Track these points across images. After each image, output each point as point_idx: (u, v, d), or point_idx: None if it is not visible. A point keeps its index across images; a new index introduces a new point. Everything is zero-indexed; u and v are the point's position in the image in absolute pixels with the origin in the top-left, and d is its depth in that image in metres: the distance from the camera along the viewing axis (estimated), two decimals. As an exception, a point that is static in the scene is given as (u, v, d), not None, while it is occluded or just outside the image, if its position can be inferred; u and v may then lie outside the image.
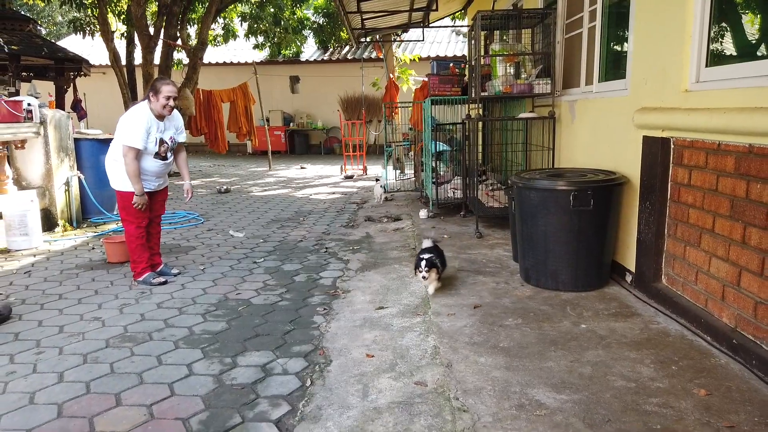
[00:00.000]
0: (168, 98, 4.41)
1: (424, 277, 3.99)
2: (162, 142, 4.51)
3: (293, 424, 2.52)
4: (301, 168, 14.04)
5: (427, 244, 4.37)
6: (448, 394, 2.69)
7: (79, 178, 6.92)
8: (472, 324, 3.54)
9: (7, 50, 10.39)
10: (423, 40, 13.32)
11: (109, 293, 4.38)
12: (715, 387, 2.66)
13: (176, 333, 3.59)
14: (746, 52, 3.31)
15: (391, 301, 4.08)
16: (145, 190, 4.54)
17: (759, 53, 3.07)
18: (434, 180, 7.26)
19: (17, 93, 10.54)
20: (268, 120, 14.63)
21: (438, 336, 3.39)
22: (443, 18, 12.02)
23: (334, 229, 6.76)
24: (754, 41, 3.25)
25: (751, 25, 3.30)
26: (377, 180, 9.04)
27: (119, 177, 4.49)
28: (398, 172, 11.11)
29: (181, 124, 4.76)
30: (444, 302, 3.96)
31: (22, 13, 13.98)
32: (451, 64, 6.80)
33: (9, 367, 3.12)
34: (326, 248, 5.78)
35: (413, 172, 10.00)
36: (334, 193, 9.91)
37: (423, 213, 7.15)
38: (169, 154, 4.62)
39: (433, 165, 7.32)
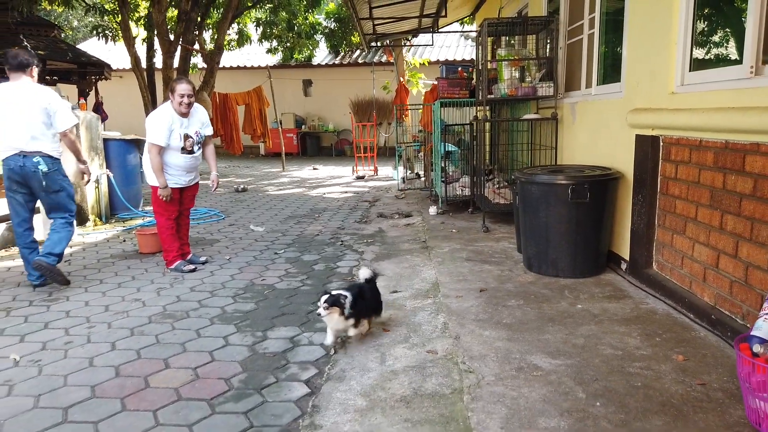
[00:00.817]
0: (182, 96, 4.78)
1: (319, 314, 3.17)
2: (187, 137, 4.89)
3: (321, 383, 2.90)
4: (314, 169, 14.45)
5: (363, 274, 3.58)
6: (456, 360, 3.05)
7: (107, 176, 7.34)
8: (478, 305, 3.90)
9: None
10: (432, 45, 13.70)
11: (145, 279, 4.78)
12: (692, 354, 3.00)
13: (210, 312, 3.97)
14: (722, 58, 3.66)
15: (404, 286, 4.45)
16: (176, 185, 4.93)
17: (733, 58, 3.41)
18: (443, 179, 7.63)
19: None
20: (281, 122, 15.04)
21: (447, 314, 3.75)
22: (452, 23, 12.41)
23: (348, 224, 7.14)
24: (727, 48, 3.61)
25: (726, 34, 3.66)
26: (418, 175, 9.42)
27: (149, 173, 4.89)
28: (408, 171, 11.49)
29: (206, 118, 5.15)
30: (452, 287, 4.32)
31: (44, 18, 14.47)
32: (459, 68, 7.17)
33: (66, 338, 3.51)
34: (342, 241, 6.15)
35: (423, 171, 10.37)
36: (346, 192, 10.29)
37: (432, 210, 7.51)
38: (196, 148, 4.99)
39: (442, 164, 7.69)
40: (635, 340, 3.21)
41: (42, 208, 5.22)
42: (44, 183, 4.46)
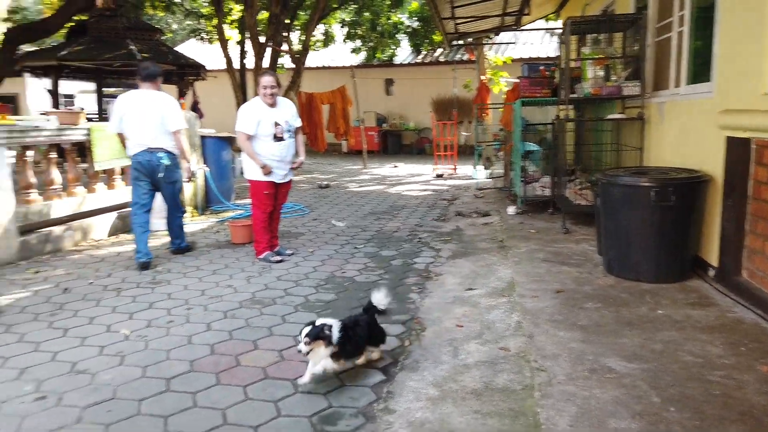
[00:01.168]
0: (265, 87, 5.19)
1: (299, 351, 2.77)
2: (276, 124, 5.22)
3: (395, 371, 3.05)
4: (394, 167, 14.68)
5: (377, 298, 3.13)
6: (528, 358, 3.11)
7: (204, 171, 7.88)
8: (553, 305, 3.91)
9: (139, 57, 11.80)
10: (515, 42, 13.52)
11: (236, 267, 5.15)
12: (779, 366, 2.89)
13: (295, 300, 4.24)
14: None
15: (479, 284, 4.52)
16: (271, 179, 5.23)
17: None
18: (523, 178, 7.58)
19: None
20: (363, 121, 15.40)
21: (521, 313, 3.79)
22: (536, 20, 12.20)
23: (426, 222, 7.26)
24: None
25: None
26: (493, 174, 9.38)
27: (249, 168, 5.25)
28: (488, 171, 11.44)
29: (294, 110, 5.49)
30: (528, 287, 4.34)
31: (148, 22, 15.58)
32: (541, 67, 7.09)
33: (168, 318, 3.88)
34: (419, 238, 6.29)
35: (503, 171, 10.31)
36: (425, 190, 10.42)
37: (511, 209, 7.49)
38: (286, 135, 5.28)
39: (523, 164, 7.64)
40: (718, 348, 3.13)
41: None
42: (164, 174, 5.25)
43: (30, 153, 5.71)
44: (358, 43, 16.80)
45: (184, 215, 5.74)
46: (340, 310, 4.00)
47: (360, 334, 2.94)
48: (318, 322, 2.78)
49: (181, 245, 5.65)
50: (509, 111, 9.20)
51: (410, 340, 3.47)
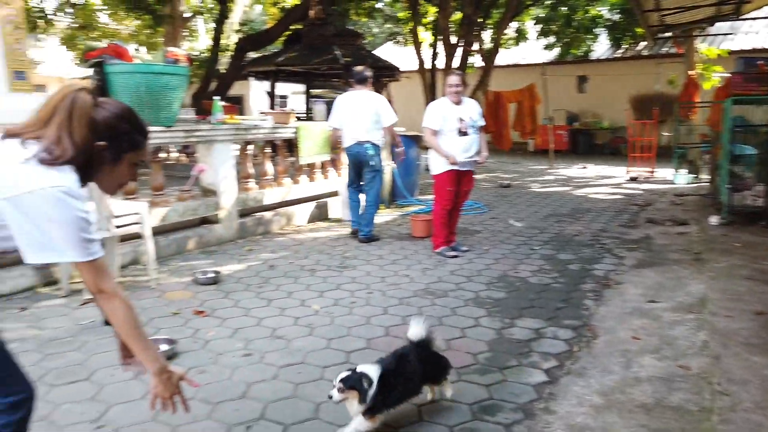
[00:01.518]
0: (451, 86, 5.44)
1: (330, 397, 2.39)
2: (461, 120, 5.40)
3: (560, 375, 3.05)
4: (583, 167, 14.01)
5: (414, 331, 2.67)
6: (710, 379, 2.88)
7: (391, 167, 8.40)
8: (750, 327, 3.53)
9: (342, 62, 12.88)
10: (734, 33, 11.96)
11: (414, 259, 5.47)
12: None
13: (465, 294, 4.40)
14: None
15: (664, 297, 4.23)
16: (453, 167, 5.44)
17: None
18: (731, 185, 6.78)
19: (347, 96, 12.99)
20: (551, 119, 14.93)
21: (710, 332, 3.49)
22: (761, 7, 10.66)
23: (612, 227, 6.89)
24: None
25: None
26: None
27: (433, 163, 5.53)
28: (692, 175, 10.38)
29: (479, 110, 5.62)
30: (723, 305, 3.96)
31: (351, 28, 16.88)
32: (760, 62, 6.26)
33: (351, 299, 4.31)
34: (602, 244, 6.01)
35: (709, 176, 9.28)
36: (615, 193, 9.82)
37: (713, 219, 6.76)
38: (470, 131, 5.43)
39: (732, 169, 6.83)
40: None
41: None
42: (370, 163, 6.09)
43: (250, 148, 6.66)
44: (552, 39, 16.29)
45: (379, 207, 6.43)
46: (508, 309, 4.06)
47: (410, 376, 2.55)
48: (359, 369, 2.42)
49: (367, 233, 6.15)
50: (718, 110, 8.26)
51: (579, 346, 3.42)
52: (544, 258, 5.47)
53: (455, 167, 5.37)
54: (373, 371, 2.40)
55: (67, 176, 1.56)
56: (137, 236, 4.71)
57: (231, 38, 16.12)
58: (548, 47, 16.77)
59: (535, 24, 16.50)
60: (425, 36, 15.73)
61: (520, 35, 16.75)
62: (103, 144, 1.64)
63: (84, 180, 1.65)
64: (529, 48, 18.55)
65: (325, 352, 3.36)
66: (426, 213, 7.04)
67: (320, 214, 7.40)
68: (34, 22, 13.80)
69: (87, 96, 1.63)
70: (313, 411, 2.71)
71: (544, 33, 16.09)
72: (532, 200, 9.10)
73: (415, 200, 8.59)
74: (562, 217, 7.63)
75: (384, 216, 7.66)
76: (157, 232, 5.14)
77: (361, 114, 6.04)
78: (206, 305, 4.11)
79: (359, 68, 6.26)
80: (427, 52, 14.37)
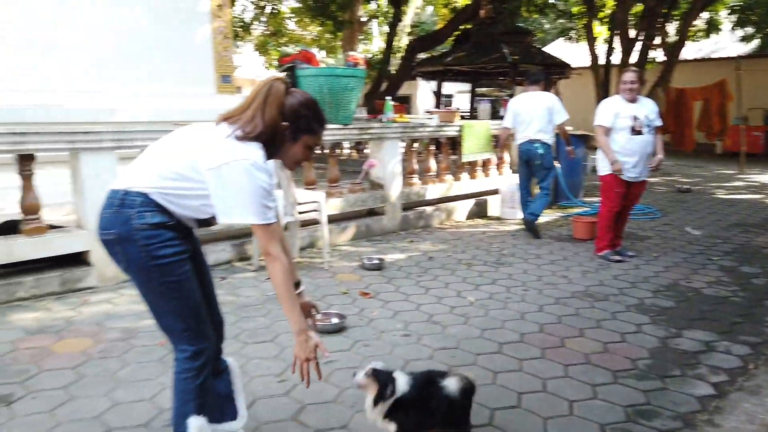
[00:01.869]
0: (625, 83, 5.19)
1: (353, 375, 2.32)
2: (635, 117, 5.15)
3: (729, 390, 2.87)
4: (782, 174, 12.34)
5: (450, 386, 2.29)
6: None
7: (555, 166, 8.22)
8: None
9: (509, 60, 12.80)
10: None
11: (574, 260, 5.36)
12: None
13: (628, 300, 4.24)
14: None
15: None
16: (625, 177, 5.22)
17: None
18: None
19: (513, 95, 12.90)
20: (745, 119, 13.30)
21: None
22: None
23: (813, 242, 6.07)
24: None
25: None
26: None
27: (601, 163, 5.36)
28: None
29: (656, 110, 5.30)
30: None
31: (521, 26, 16.60)
32: None
33: (506, 294, 4.39)
34: (797, 259, 5.35)
35: None
36: (821, 204, 8.55)
37: None
38: (645, 130, 5.14)
39: None
40: None
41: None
42: (539, 162, 6.27)
43: (416, 145, 7.00)
44: (750, 30, 14.50)
45: (548, 202, 6.57)
46: (676, 318, 3.85)
47: (431, 409, 2.25)
48: (395, 374, 2.26)
49: (531, 219, 6.32)
50: None
51: (756, 363, 3.16)
52: (723, 270, 5.03)
53: (620, 176, 5.16)
54: (402, 383, 2.23)
55: (256, 151, 1.92)
56: (315, 222, 5.26)
57: (402, 40, 16.80)
58: (745, 39, 14.96)
59: (729, 14, 14.80)
60: (600, 31, 14.96)
61: (712, 26, 15.14)
62: (286, 124, 1.98)
63: (269, 156, 2.00)
64: (721, 40, 16.71)
65: (478, 341, 3.51)
66: (590, 215, 6.82)
67: (479, 212, 7.52)
68: (236, 31, 15.69)
69: (281, 85, 2.01)
70: (465, 392, 2.88)
71: (740, 23, 14.38)
72: (715, 207, 8.29)
73: (578, 202, 8.31)
74: (749, 227, 6.88)
75: (545, 216, 7.54)
76: (331, 220, 5.67)
77: (533, 113, 6.23)
78: (371, 288, 4.48)
79: (534, 69, 6.58)
80: (601, 48, 13.66)
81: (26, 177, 4.10)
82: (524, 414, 2.68)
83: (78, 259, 4.37)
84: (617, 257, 5.31)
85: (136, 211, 1.90)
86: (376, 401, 2.19)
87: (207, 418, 2.10)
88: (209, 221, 2.06)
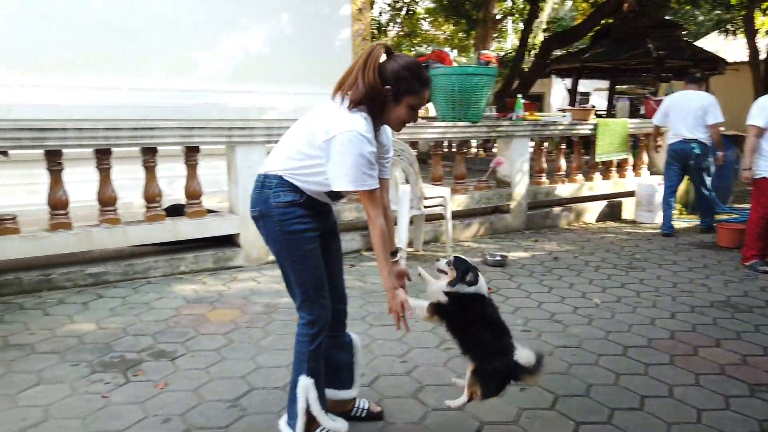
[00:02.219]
0: None
1: (437, 259, 2.48)
2: None
3: None
4: None
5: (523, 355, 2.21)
6: None
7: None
8: None
9: (654, 55, 12.00)
10: None
11: (716, 269, 5.00)
12: None
13: (777, 314, 3.90)
14: None
15: None
16: None
17: None
18: None
19: (656, 93, 12.09)
20: None
21: None
22: None
23: None
24: None
25: None
26: None
27: (758, 164, 4.94)
28: None
29: None
30: None
31: (669, 19, 15.43)
32: None
33: (636, 299, 4.22)
34: None
35: None
36: None
37: None
38: None
39: None
40: None
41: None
42: (695, 162, 6.12)
43: (546, 144, 6.89)
44: None
45: (715, 198, 6.37)
46: (834, 337, 3.49)
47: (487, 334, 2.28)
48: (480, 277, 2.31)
49: (709, 223, 6.36)
50: None
51: None
52: None
53: (745, 178, 4.73)
54: (483, 283, 2.32)
55: (361, 121, 2.08)
56: (440, 217, 5.41)
57: (537, 37, 16.41)
58: None
59: None
60: (763, 21, 13.51)
61: None
62: (388, 87, 2.12)
63: (376, 119, 2.15)
64: None
65: (601, 342, 3.45)
66: (738, 222, 6.28)
67: (612, 214, 7.22)
68: (372, 32, 16.33)
69: (381, 49, 2.15)
70: (584, 389, 2.87)
71: None
72: None
73: (726, 208, 7.63)
74: None
75: (685, 222, 7.07)
76: (455, 216, 5.78)
77: (686, 112, 6.10)
78: (493, 284, 4.54)
79: (691, 70, 6.54)
80: (762, 42, 12.35)
81: (191, 166, 4.70)
82: (646, 416, 2.62)
83: (229, 241, 4.92)
84: (766, 267, 4.87)
85: (272, 191, 2.18)
86: (453, 282, 2.28)
87: (327, 383, 2.38)
88: (340, 194, 2.28)
